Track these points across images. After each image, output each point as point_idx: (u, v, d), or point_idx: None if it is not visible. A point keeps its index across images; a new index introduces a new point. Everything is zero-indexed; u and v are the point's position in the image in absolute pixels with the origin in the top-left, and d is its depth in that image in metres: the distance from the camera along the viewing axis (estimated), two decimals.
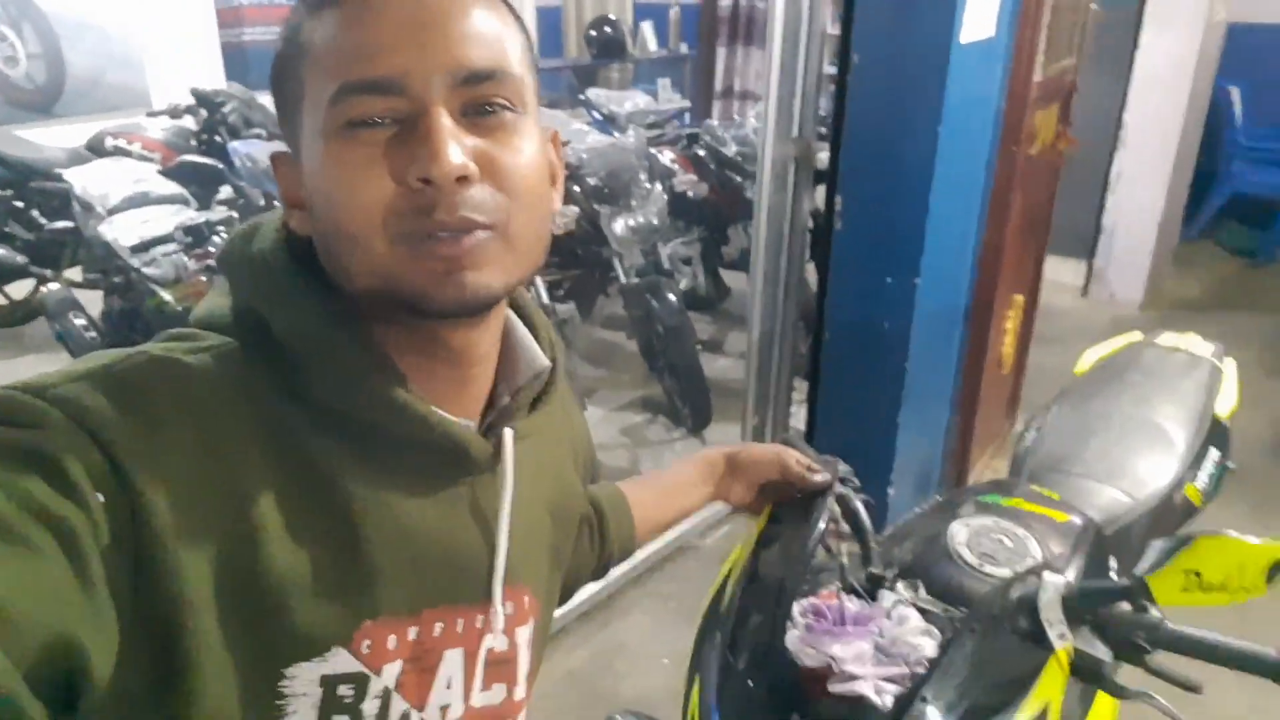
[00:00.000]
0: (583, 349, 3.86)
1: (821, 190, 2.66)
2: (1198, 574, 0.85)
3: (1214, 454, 1.66)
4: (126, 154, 3.91)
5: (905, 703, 0.88)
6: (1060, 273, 4.66)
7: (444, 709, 0.64)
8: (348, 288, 0.57)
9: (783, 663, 0.93)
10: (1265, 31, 5.08)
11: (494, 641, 0.67)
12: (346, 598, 0.57)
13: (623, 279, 3.27)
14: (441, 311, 0.56)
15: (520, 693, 0.71)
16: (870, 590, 1.09)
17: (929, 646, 0.92)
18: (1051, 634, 0.90)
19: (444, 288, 0.55)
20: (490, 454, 0.64)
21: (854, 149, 2.47)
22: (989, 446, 3.15)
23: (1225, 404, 1.74)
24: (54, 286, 3.20)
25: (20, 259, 3.46)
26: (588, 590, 2.50)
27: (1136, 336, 1.96)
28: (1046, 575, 0.94)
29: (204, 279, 2.55)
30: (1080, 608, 0.93)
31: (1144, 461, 1.59)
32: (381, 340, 0.59)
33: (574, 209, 3.15)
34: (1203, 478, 1.65)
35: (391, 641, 0.59)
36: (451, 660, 0.64)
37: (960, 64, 2.30)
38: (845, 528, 1.15)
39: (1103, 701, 1.09)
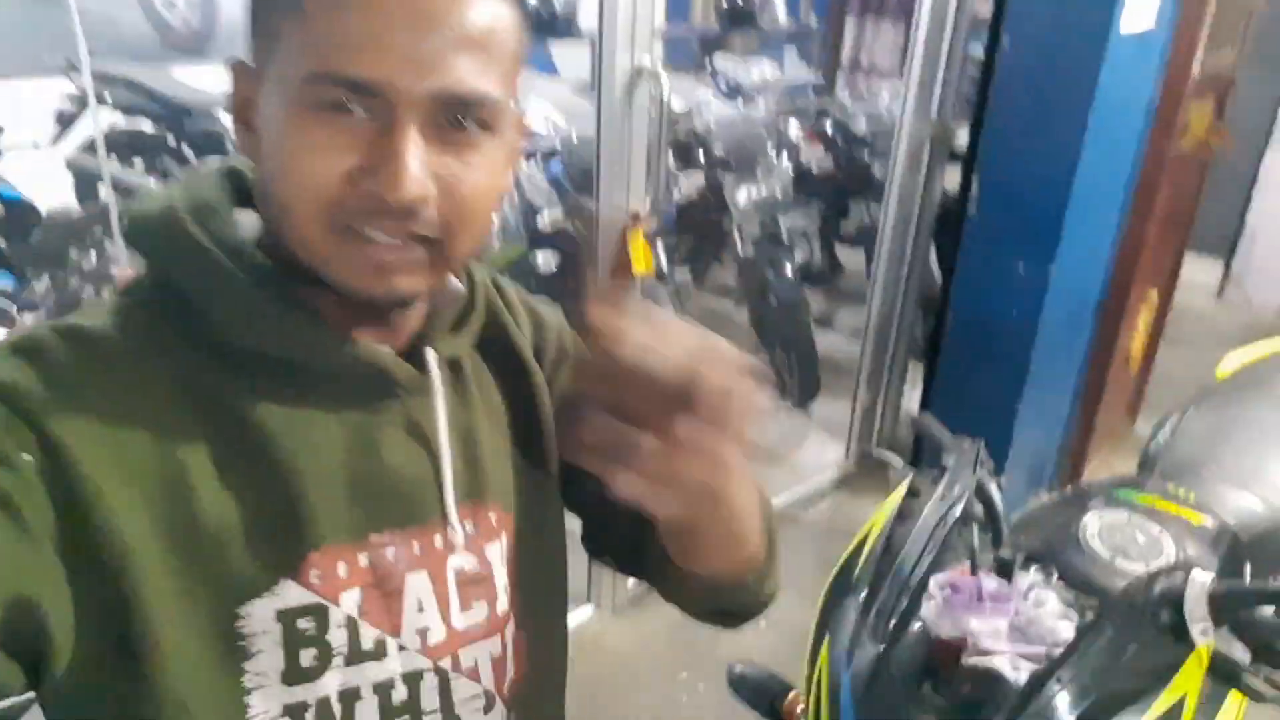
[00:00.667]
0: (691, 316, 3.89)
1: (954, 172, 2.63)
2: None
3: None
4: None
5: (1037, 683, 0.90)
6: (1194, 272, 4.44)
7: (422, 632, 0.63)
8: (273, 226, 0.58)
9: (916, 632, 0.97)
10: None
11: (461, 561, 0.66)
12: (285, 531, 0.57)
13: (740, 250, 3.28)
14: (366, 301, 0.57)
15: (503, 606, 0.69)
16: (998, 572, 1.11)
17: (1066, 630, 0.94)
18: (1195, 630, 0.91)
19: (371, 285, 0.55)
20: (415, 375, 0.63)
21: (996, 133, 2.43)
22: (1106, 444, 3.07)
23: None
24: None
25: None
26: None
27: None
28: (1195, 572, 0.94)
29: None
30: (1223, 609, 0.93)
31: None
32: (298, 277, 0.58)
33: (698, 177, 3.17)
34: None
35: (342, 569, 0.59)
36: (416, 583, 0.63)
37: (1117, 54, 2.23)
38: (976, 508, 1.17)
39: (1232, 702, 1.09)
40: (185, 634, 0.54)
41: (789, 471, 3.02)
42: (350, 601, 0.59)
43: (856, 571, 1.06)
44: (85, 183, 3.84)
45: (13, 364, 0.53)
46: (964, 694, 0.91)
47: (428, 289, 0.59)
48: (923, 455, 2.63)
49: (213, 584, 0.55)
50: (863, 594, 1.03)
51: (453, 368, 0.67)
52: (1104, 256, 2.64)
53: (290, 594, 0.57)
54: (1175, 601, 0.93)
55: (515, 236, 2.38)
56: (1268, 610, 0.96)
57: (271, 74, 0.55)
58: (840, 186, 3.85)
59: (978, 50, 2.61)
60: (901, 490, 1.12)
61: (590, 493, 0.70)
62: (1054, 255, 2.40)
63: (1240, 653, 0.96)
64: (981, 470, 1.13)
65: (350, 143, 0.53)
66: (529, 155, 2.94)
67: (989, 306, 2.53)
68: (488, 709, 0.68)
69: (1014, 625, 0.93)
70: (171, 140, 4.11)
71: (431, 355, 0.65)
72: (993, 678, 0.89)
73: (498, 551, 0.69)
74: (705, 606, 0.72)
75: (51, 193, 3.44)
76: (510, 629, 0.70)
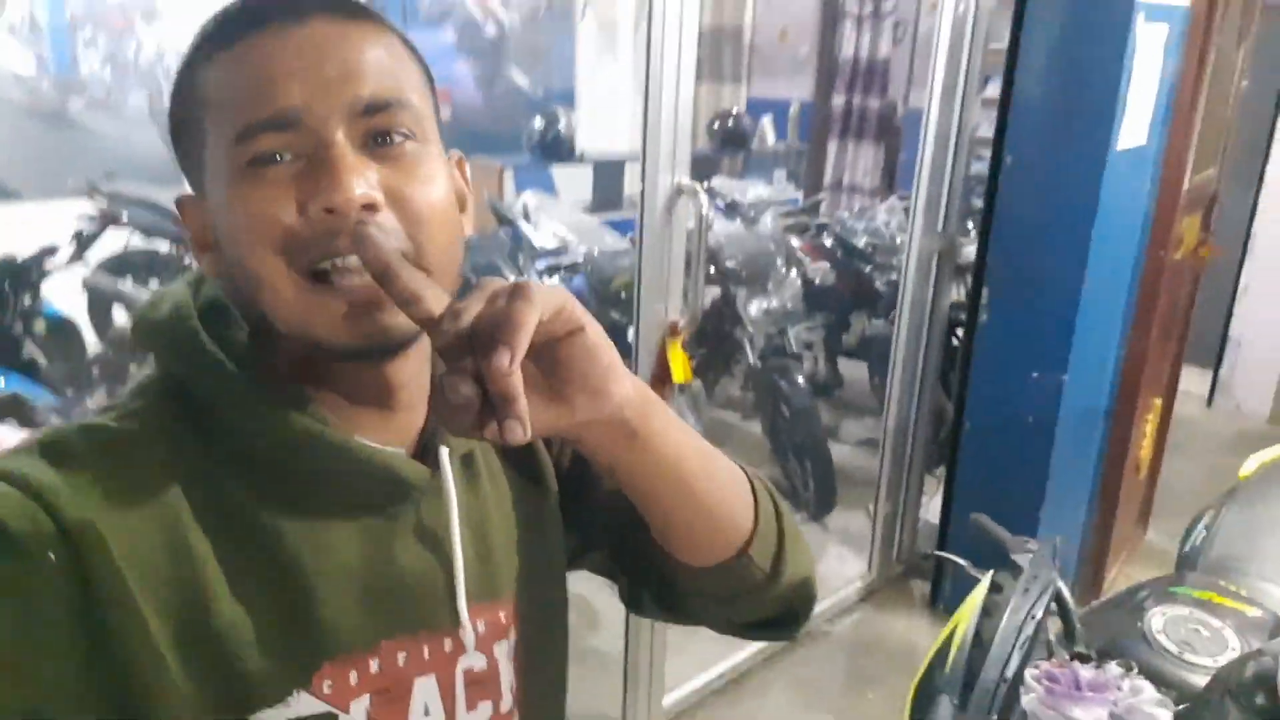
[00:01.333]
0: (703, 429, 3.94)
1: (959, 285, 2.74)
2: None
3: None
4: None
5: None
6: (1185, 381, 4.58)
7: None
8: (261, 328, 0.57)
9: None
10: None
11: (470, 661, 0.65)
12: (298, 642, 0.57)
13: (752, 360, 3.36)
14: (357, 353, 0.56)
15: (506, 705, 0.69)
16: None
17: (1165, 717, 0.95)
18: None
19: (357, 328, 0.54)
20: (428, 475, 0.62)
21: (1003, 245, 2.54)
22: (1122, 552, 3.09)
23: None
24: None
25: None
26: (721, 665, 2.54)
27: None
28: None
29: None
30: None
31: None
32: (299, 378, 0.58)
33: (714, 289, 3.27)
34: None
35: (353, 678, 0.59)
36: (423, 687, 0.63)
37: (1114, 169, 2.37)
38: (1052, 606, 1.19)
39: None
40: None
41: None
42: (359, 710, 0.59)
43: (947, 669, 1.07)
44: (99, 303, 3.89)
45: (41, 464, 0.52)
46: None
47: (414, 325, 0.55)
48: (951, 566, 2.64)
49: (225, 692, 0.54)
50: (957, 691, 1.04)
51: (464, 460, 0.66)
52: (1111, 364, 2.73)
53: (303, 704, 0.57)
54: (1269, 682, 0.96)
55: None
56: None
57: (210, 174, 0.56)
58: (842, 299, 3.97)
59: (980, 168, 2.76)
60: (983, 588, 1.14)
61: (614, 544, 0.75)
62: (1067, 363, 2.49)
63: None
64: (1057, 565, 1.16)
65: (290, 183, 0.53)
66: (552, 271, 3.04)
67: (1005, 413, 2.59)
68: None
69: (1114, 715, 0.95)
70: (188, 260, 4.20)
71: (445, 453, 0.64)
72: None
73: (505, 649, 0.68)
74: (723, 602, 0.70)
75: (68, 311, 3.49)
76: None
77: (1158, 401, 3.07)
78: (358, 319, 0.54)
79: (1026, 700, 0.97)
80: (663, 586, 0.73)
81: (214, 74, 0.55)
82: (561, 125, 5.45)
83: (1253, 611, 1.32)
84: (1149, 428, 3.02)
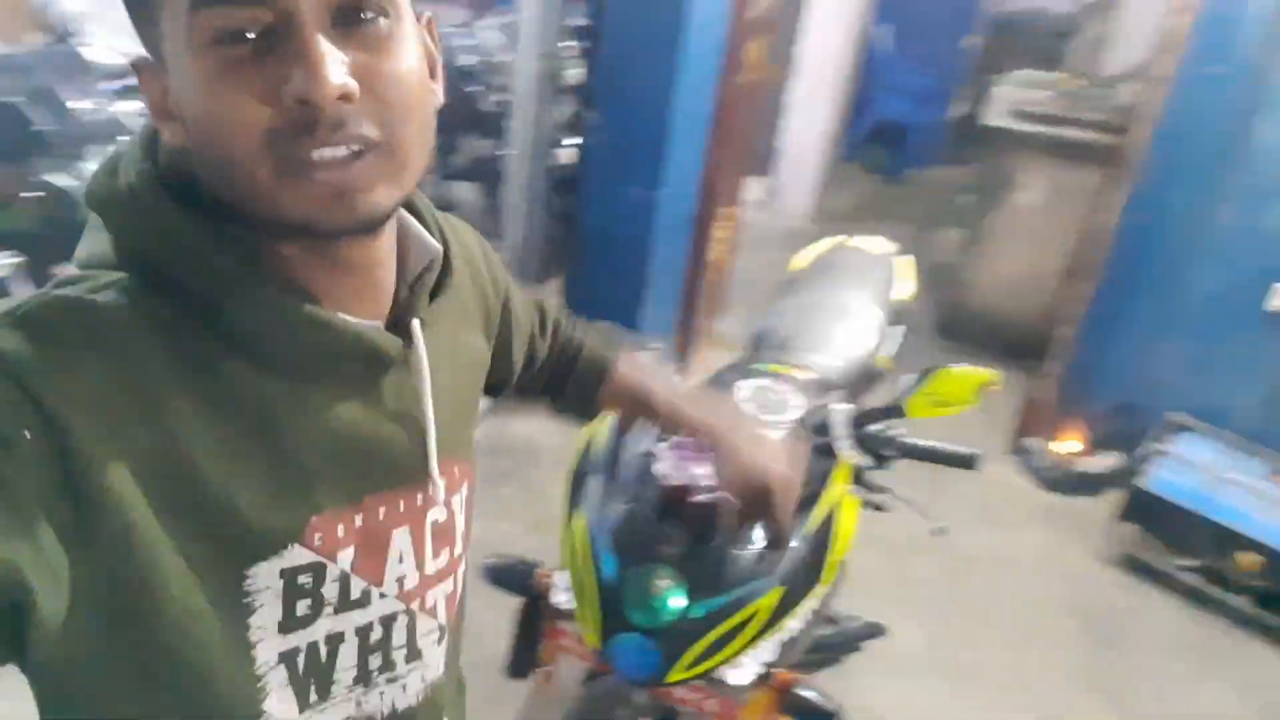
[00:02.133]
0: None
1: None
2: (934, 394, 1.24)
3: (899, 330, 2.16)
4: None
5: None
6: (746, 190, 5.28)
7: (400, 580, 0.69)
8: (232, 203, 0.56)
9: (651, 486, 1.21)
10: None
11: (436, 513, 0.72)
12: (289, 501, 0.59)
13: None
14: (333, 234, 0.57)
15: (459, 549, 0.76)
16: None
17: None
18: (840, 446, 1.26)
19: (333, 213, 0.55)
20: (401, 347, 0.65)
21: (604, 71, 2.73)
22: (702, 341, 3.63)
23: (905, 291, 2.24)
24: None
25: None
26: None
27: (838, 239, 2.42)
28: (835, 405, 1.29)
29: None
30: (855, 427, 1.30)
31: (848, 337, 2.02)
32: (275, 254, 0.59)
33: None
34: (890, 347, 2.14)
35: (340, 530, 0.63)
36: (399, 537, 0.68)
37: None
38: None
39: (850, 502, 1.49)
40: (195, 599, 0.56)
41: None
42: (345, 558, 0.64)
43: (595, 453, 1.28)
44: None
45: (15, 336, 0.51)
46: (697, 526, 1.17)
47: (392, 206, 0.58)
48: None
49: (220, 551, 0.56)
50: (605, 469, 1.25)
51: (432, 329, 0.69)
52: (694, 179, 3.10)
53: (296, 555, 0.60)
54: (824, 428, 1.28)
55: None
56: (875, 427, 1.35)
57: (167, 39, 0.54)
58: (449, 122, 3.95)
59: None
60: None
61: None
62: (658, 180, 2.79)
63: (866, 461, 1.34)
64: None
65: (260, 69, 0.52)
66: (129, 92, 2.65)
67: (610, 227, 2.87)
68: (440, 640, 0.75)
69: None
70: None
71: (417, 326, 0.67)
72: (715, 509, 1.16)
73: (459, 500, 0.75)
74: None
75: None
76: (461, 568, 0.78)
77: (728, 210, 3.54)
78: (336, 203, 0.54)
79: (656, 467, 1.19)
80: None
81: None
82: None
83: (807, 375, 1.69)
84: (722, 233, 3.50)
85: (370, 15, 0.54)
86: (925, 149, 6.34)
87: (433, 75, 0.62)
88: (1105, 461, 3.16)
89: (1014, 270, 3.89)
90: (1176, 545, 2.76)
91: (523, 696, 1.46)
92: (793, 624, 1.23)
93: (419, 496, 0.70)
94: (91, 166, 2.06)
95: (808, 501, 1.25)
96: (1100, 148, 3.41)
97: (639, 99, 2.71)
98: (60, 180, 2.02)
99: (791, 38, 5.07)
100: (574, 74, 2.87)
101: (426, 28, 0.62)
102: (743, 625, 1.15)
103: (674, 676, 1.14)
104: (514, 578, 1.38)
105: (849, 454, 1.27)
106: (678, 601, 1.14)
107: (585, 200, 2.87)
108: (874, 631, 1.94)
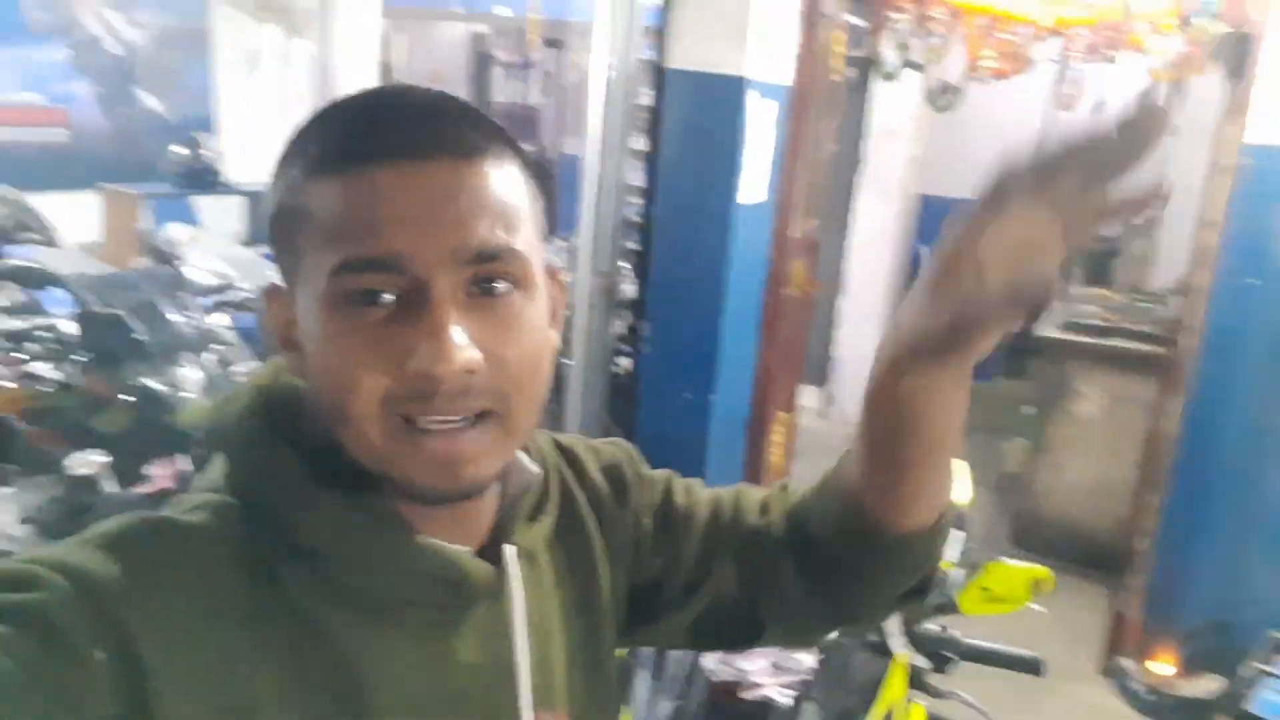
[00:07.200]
0: None
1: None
2: (987, 589, 1.21)
3: (958, 535, 2.12)
4: None
5: (798, 703, 1.15)
6: (803, 397, 5.36)
7: None
8: (334, 440, 0.56)
9: (699, 683, 1.18)
10: (948, 203, 6.25)
11: None
12: None
13: None
14: (435, 501, 0.56)
15: None
16: None
17: (810, 660, 1.21)
18: (893, 642, 1.23)
19: (439, 480, 0.54)
20: (492, 574, 0.61)
21: (658, 285, 2.89)
22: None
23: (962, 495, 2.22)
24: None
25: None
26: None
27: None
28: None
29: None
30: (909, 625, 1.27)
31: None
32: (373, 484, 0.57)
33: None
34: (951, 553, 2.10)
35: None
36: None
37: (739, 221, 2.82)
38: None
39: (917, 709, 1.43)
40: None
41: None
42: None
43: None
44: None
45: (98, 556, 0.51)
46: None
47: (497, 473, 0.58)
48: None
49: None
50: (650, 664, 1.23)
51: (528, 558, 0.66)
52: (747, 384, 3.18)
53: None
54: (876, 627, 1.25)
55: (222, 386, 2.32)
56: (930, 625, 1.32)
57: (301, 288, 0.56)
58: None
59: (629, 213, 3.09)
60: None
61: (725, 570, 0.73)
62: (712, 385, 2.88)
63: (923, 662, 1.29)
64: None
65: (389, 331, 0.53)
66: (221, 308, 2.89)
67: (666, 429, 2.93)
68: None
69: (774, 662, 1.19)
70: None
71: (510, 552, 0.63)
72: (766, 705, 1.13)
73: None
74: (902, 572, 0.70)
75: None
76: None
77: (784, 415, 3.59)
78: (443, 471, 0.54)
79: (703, 660, 1.18)
80: (810, 579, 0.71)
81: (324, 192, 0.54)
82: (205, 152, 5.11)
83: None
84: (778, 437, 3.53)
85: (504, 288, 0.55)
86: (983, 362, 6.38)
87: (553, 321, 0.61)
88: (1207, 685, 2.95)
89: (1083, 479, 3.82)
90: None
91: None
92: None
93: None
94: (184, 371, 2.25)
95: (862, 706, 1.20)
96: (1153, 358, 3.44)
97: (689, 311, 2.86)
98: (154, 383, 2.17)
99: (839, 255, 5.31)
100: (629, 289, 3.04)
101: (552, 277, 0.61)
102: None
103: None
104: None
105: (903, 651, 1.24)
106: None
107: (642, 405, 2.96)
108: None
